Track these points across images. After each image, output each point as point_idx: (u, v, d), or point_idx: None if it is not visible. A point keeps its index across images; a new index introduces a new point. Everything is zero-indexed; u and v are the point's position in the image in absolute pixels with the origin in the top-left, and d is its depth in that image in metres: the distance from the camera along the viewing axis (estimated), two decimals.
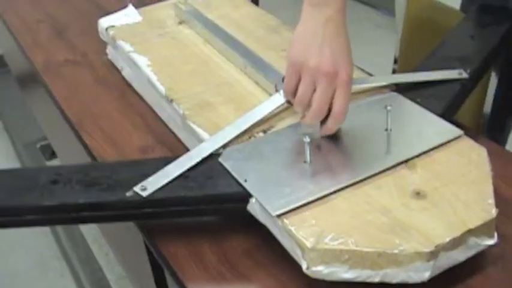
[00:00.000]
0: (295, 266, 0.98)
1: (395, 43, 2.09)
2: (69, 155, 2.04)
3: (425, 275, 0.94)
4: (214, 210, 1.11)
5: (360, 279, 0.95)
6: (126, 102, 1.55)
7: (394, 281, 0.94)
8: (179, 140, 1.38)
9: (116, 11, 1.76)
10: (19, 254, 2.79)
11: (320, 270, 0.95)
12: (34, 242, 2.84)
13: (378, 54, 2.35)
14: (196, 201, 1.08)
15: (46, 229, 2.88)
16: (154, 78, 1.44)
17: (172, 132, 1.41)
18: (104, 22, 1.71)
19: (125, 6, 1.77)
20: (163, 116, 1.45)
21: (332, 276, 0.95)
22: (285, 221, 0.99)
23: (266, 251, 1.08)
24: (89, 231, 2.67)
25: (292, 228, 0.97)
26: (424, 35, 1.96)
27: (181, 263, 1.08)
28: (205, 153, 1.16)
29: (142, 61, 1.51)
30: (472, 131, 1.24)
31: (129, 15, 1.75)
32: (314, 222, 0.98)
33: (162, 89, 1.40)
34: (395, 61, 2.10)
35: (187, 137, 1.33)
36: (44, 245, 2.81)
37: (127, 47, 1.58)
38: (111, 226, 1.74)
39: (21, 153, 3.32)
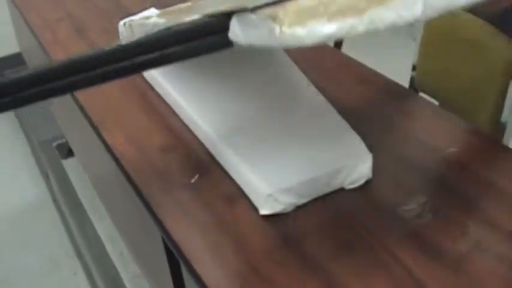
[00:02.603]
0: (316, 267, 0.99)
1: (414, 50, 2.09)
2: (88, 153, 2.05)
3: (418, 10, 0.84)
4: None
5: (343, 32, 0.84)
6: (146, 102, 1.56)
7: (382, 25, 0.84)
8: (199, 140, 1.39)
9: (137, 10, 1.77)
10: (31, 252, 2.80)
11: (297, 33, 0.84)
12: (47, 239, 2.84)
13: (396, 61, 2.35)
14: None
15: (59, 226, 2.89)
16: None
17: (192, 132, 1.42)
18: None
19: (146, 7, 1.78)
20: (183, 117, 1.46)
21: (311, 36, 0.84)
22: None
23: (287, 252, 1.09)
24: (104, 230, 2.67)
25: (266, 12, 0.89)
26: (443, 43, 1.96)
27: (201, 261, 1.09)
28: None
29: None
30: (492, 138, 1.24)
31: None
32: None
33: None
34: (414, 68, 2.10)
35: (205, 136, 1.35)
36: (57, 242, 2.82)
37: None
38: (128, 223, 1.75)
39: (37, 152, 3.33)
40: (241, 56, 1.60)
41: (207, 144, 1.35)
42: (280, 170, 1.21)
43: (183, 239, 1.14)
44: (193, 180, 1.26)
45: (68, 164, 3.07)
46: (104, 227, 2.63)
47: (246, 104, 1.44)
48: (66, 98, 1.76)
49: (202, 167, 1.30)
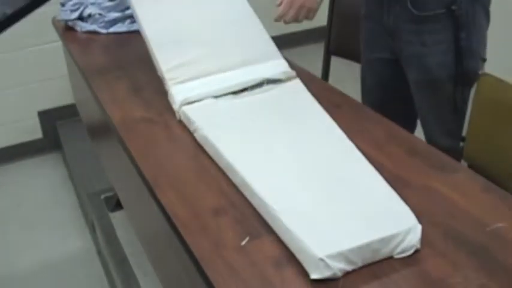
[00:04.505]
0: None
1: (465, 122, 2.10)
2: (137, 208, 2.07)
3: None
4: None
5: None
6: (199, 163, 1.60)
7: None
8: (250, 203, 1.41)
9: None
10: None
11: None
12: None
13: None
14: None
15: (103, 280, 2.91)
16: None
17: (243, 195, 1.44)
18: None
19: None
20: (236, 180, 1.49)
21: None
22: None
23: None
24: (148, 285, 2.67)
25: None
26: (494, 115, 1.97)
27: None
28: None
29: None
30: None
31: None
32: None
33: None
34: (463, 139, 2.11)
35: (256, 200, 1.38)
36: None
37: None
38: (174, 280, 1.76)
39: (84, 203, 3.37)
40: (293, 122, 1.64)
41: (258, 208, 1.38)
42: (331, 235, 1.23)
43: None
44: (243, 243, 1.28)
45: (115, 217, 3.10)
46: (148, 282, 2.64)
47: (298, 169, 1.47)
48: (119, 154, 1.81)
49: (253, 230, 1.32)
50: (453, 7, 1.97)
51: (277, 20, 2.02)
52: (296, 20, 2.03)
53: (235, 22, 2.08)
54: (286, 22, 2.05)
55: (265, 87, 1.88)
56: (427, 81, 2.11)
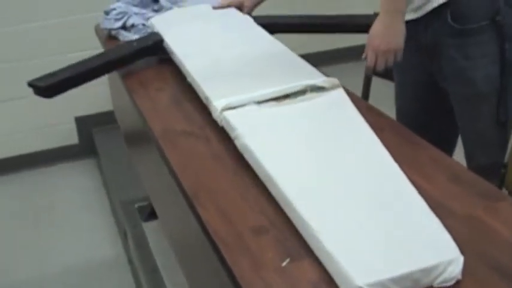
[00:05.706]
0: None
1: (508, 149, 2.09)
2: (174, 220, 2.07)
3: None
4: None
5: None
6: (240, 179, 1.59)
7: None
8: (292, 223, 1.40)
9: None
10: None
11: None
12: None
13: None
14: None
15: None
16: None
17: (286, 214, 1.43)
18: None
19: None
20: (276, 195, 1.48)
21: None
22: None
23: None
24: None
25: None
26: None
27: None
28: None
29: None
30: None
31: None
32: None
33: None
34: (504, 166, 2.09)
35: (300, 221, 1.36)
36: None
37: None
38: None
39: (117, 211, 3.37)
40: (336, 136, 1.63)
41: (298, 226, 1.37)
42: (371, 261, 1.21)
43: None
44: (284, 264, 1.27)
45: (147, 227, 3.10)
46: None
47: (340, 188, 1.46)
48: (157, 165, 1.80)
49: (294, 251, 1.31)
50: (497, 18, 1.96)
51: (368, 72, 2.02)
52: (386, 65, 2.02)
53: (270, 53, 2.20)
54: (378, 71, 2.07)
55: (308, 95, 1.86)
56: (470, 96, 2.08)
